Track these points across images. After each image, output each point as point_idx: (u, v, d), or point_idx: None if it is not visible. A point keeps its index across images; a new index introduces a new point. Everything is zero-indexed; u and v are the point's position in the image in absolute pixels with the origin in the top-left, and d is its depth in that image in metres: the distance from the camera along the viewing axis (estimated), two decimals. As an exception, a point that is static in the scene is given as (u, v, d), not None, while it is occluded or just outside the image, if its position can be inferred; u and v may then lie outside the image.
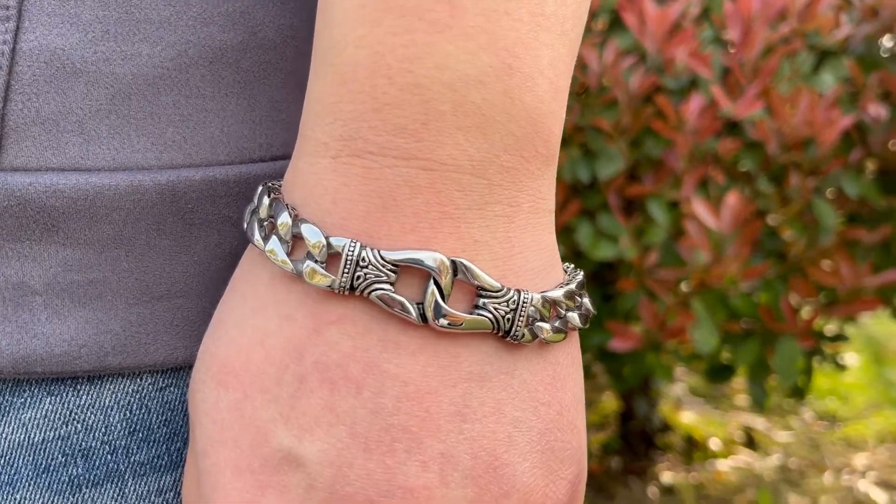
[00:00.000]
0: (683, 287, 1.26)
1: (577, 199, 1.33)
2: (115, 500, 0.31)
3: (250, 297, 0.27)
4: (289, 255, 0.27)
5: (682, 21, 1.32)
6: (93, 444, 0.31)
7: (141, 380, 0.31)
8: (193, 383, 0.28)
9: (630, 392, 1.90)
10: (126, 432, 0.31)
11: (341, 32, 0.26)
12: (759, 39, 1.22)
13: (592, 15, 1.36)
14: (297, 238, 0.27)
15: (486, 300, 0.26)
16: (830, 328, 1.56)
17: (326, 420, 0.25)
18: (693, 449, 1.97)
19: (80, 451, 0.31)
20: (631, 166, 1.33)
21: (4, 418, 0.30)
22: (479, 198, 0.26)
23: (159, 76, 0.30)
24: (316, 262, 0.26)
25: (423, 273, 0.26)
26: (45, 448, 0.30)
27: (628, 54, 1.30)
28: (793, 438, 1.99)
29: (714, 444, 2.01)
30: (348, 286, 0.25)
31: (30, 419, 0.30)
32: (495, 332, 0.26)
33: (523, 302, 0.26)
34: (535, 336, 0.27)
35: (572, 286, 0.29)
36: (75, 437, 0.31)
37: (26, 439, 0.30)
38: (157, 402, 0.32)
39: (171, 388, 0.32)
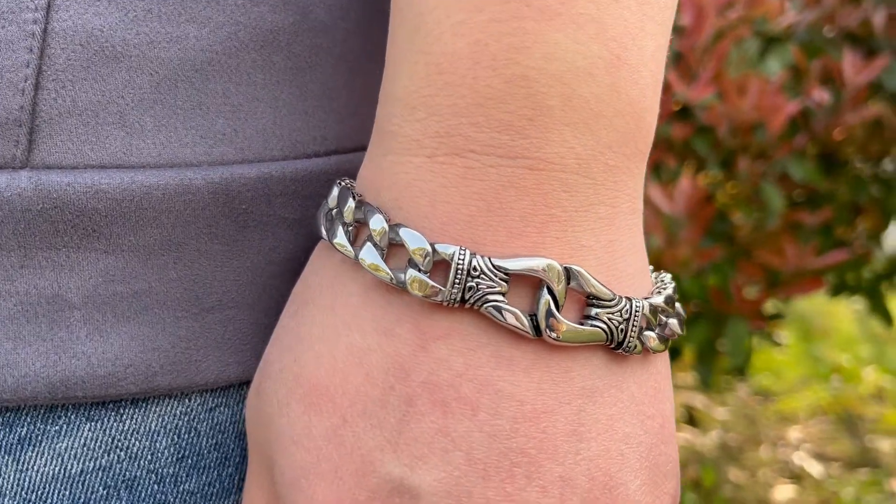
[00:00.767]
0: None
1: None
2: None
3: (340, 310, 0.25)
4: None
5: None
6: (138, 474, 0.27)
7: (189, 400, 0.28)
8: (269, 406, 0.25)
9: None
10: (174, 459, 0.28)
11: (434, 18, 0.23)
12: (710, 25, 1.24)
13: None
14: (393, 245, 0.24)
15: (598, 310, 0.24)
16: (768, 307, 1.61)
17: (441, 446, 0.23)
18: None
19: (123, 482, 0.27)
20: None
21: (37, 449, 0.26)
22: (585, 199, 0.24)
23: (208, 61, 0.27)
24: (420, 270, 0.24)
25: (533, 281, 0.24)
26: (84, 480, 0.27)
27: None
28: (730, 415, 2.05)
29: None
30: (459, 298, 0.23)
31: (66, 449, 0.27)
32: (608, 343, 0.24)
33: (635, 311, 0.25)
34: (643, 346, 0.25)
35: (669, 290, 0.27)
36: (118, 466, 0.27)
37: (62, 472, 0.27)
38: (206, 424, 0.28)
39: (222, 409, 0.29)
